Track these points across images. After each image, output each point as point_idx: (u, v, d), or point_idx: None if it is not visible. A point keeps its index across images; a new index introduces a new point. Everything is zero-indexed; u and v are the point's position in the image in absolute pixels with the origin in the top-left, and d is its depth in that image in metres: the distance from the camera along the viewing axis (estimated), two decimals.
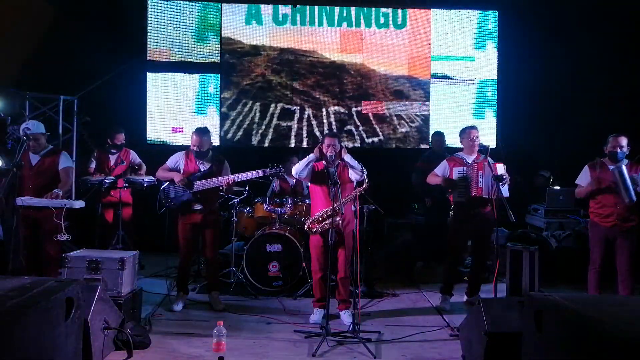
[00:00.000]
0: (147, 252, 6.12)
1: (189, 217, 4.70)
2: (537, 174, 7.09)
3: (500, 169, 4.64)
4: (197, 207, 4.68)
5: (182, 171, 4.69)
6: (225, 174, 4.71)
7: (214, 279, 4.91)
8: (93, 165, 6.09)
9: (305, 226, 4.49)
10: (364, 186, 4.38)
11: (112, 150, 6.08)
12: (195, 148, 4.68)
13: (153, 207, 4.77)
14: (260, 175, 4.57)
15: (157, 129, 7.21)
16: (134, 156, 6.16)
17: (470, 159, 4.92)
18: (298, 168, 4.42)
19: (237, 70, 7.28)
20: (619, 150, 4.52)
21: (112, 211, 6.05)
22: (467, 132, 5.00)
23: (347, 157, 4.36)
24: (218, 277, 5.04)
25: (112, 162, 6.04)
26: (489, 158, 4.87)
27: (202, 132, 4.74)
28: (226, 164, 4.79)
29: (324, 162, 4.38)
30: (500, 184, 4.60)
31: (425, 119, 7.45)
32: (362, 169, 4.32)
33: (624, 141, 4.54)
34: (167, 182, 4.72)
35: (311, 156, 4.40)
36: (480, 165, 4.79)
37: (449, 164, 4.94)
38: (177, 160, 4.75)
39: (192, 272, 5.61)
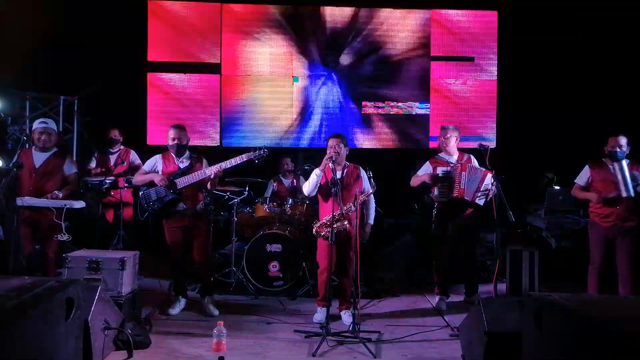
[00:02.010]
0: (147, 252, 6.13)
1: (175, 220, 4.54)
2: (541, 175, 7.09)
3: (488, 179, 4.63)
4: (182, 206, 4.53)
5: (160, 173, 4.53)
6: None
7: (207, 283, 4.73)
8: (93, 164, 6.10)
9: (314, 230, 4.44)
10: (372, 190, 4.40)
11: (112, 150, 6.09)
12: (175, 142, 4.53)
13: None
14: (245, 159, 4.43)
15: (157, 130, 7.20)
16: (133, 156, 6.15)
17: (452, 159, 4.92)
18: (309, 189, 4.40)
19: (236, 71, 7.28)
20: (618, 149, 4.54)
21: (112, 211, 6.05)
22: (441, 132, 5.03)
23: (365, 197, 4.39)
24: (211, 281, 4.85)
25: (111, 162, 6.04)
26: (472, 157, 4.87)
27: (180, 126, 4.66)
28: (205, 160, 4.66)
29: (330, 165, 4.33)
30: (479, 194, 4.63)
31: (425, 119, 7.46)
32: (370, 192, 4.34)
33: (623, 140, 4.57)
34: (146, 186, 4.54)
35: (318, 172, 4.36)
36: (464, 165, 4.77)
37: (432, 164, 4.93)
38: (154, 163, 4.60)
39: (192, 272, 5.60)
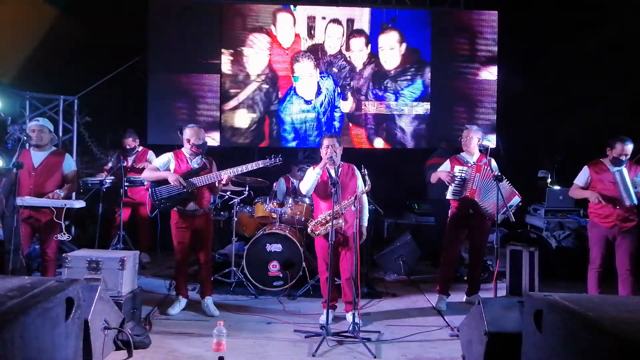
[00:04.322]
0: (147, 252, 6.14)
1: (184, 221, 4.54)
2: (536, 175, 7.10)
3: (515, 200, 4.65)
4: (192, 207, 4.52)
5: (173, 172, 4.48)
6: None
7: (207, 283, 4.73)
8: (109, 165, 6.15)
9: (309, 229, 4.46)
10: (367, 188, 4.39)
11: (130, 153, 6.18)
12: (197, 141, 4.51)
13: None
14: (260, 166, 4.45)
15: (157, 129, 7.20)
16: (151, 156, 6.22)
17: (472, 159, 4.93)
18: (308, 188, 4.40)
19: (236, 69, 7.28)
20: (623, 157, 4.54)
21: (129, 211, 6.13)
22: (463, 132, 5.05)
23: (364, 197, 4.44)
24: (211, 281, 4.86)
25: (129, 163, 6.11)
26: (492, 160, 4.86)
27: (198, 126, 4.66)
28: (214, 162, 4.67)
29: (327, 163, 4.36)
30: (503, 210, 4.57)
31: (425, 119, 7.46)
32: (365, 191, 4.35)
33: (629, 149, 4.54)
34: (157, 183, 4.50)
35: (318, 171, 4.37)
36: (479, 167, 4.78)
37: (451, 163, 4.96)
38: (166, 161, 4.54)
39: (192, 272, 5.61)
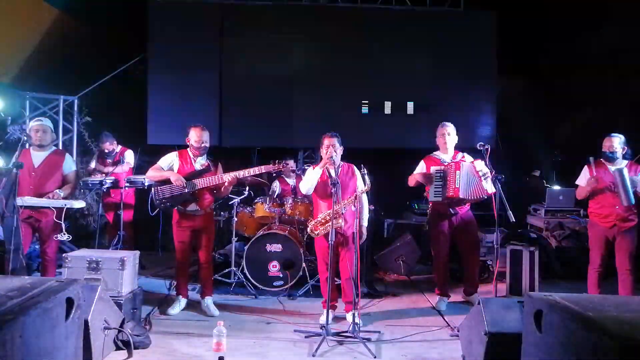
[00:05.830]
0: (147, 252, 6.14)
1: (185, 221, 4.56)
2: (529, 174, 7.12)
3: (479, 164, 4.60)
4: (193, 207, 4.54)
5: (176, 172, 4.51)
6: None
7: (208, 283, 4.74)
8: (93, 164, 6.11)
9: (308, 229, 4.47)
10: (366, 188, 4.38)
11: (109, 155, 6.12)
12: (197, 144, 4.52)
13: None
14: (263, 171, 4.48)
15: (157, 129, 7.19)
16: (128, 156, 6.14)
17: (447, 157, 4.85)
18: (308, 187, 4.40)
19: (237, 69, 7.28)
20: (608, 151, 4.56)
21: (112, 212, 6.06)
22: (438, 130, 4.92)
23: (364, 197, 4.41)
24: (212, 281, 4.85)
25: (109, 163, 6.07)
26: (466, 155, 4.82)
27: (202, 127, 4.64)
28: (220, 165, 4.69)
29: (327, 163, 4.36)
30: (483, 179, 4.56)
31: (424, 119, 7.44)
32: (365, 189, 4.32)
33: (615, 141, 4.57)
34: (160, 183, 4.51)
35: (318, 170, 4.37)
36: (457, 164, 4.66)
37: (426, 163, 4.87)
38: (170, 160, 4.57)
39: (192, 272, 5.61)
